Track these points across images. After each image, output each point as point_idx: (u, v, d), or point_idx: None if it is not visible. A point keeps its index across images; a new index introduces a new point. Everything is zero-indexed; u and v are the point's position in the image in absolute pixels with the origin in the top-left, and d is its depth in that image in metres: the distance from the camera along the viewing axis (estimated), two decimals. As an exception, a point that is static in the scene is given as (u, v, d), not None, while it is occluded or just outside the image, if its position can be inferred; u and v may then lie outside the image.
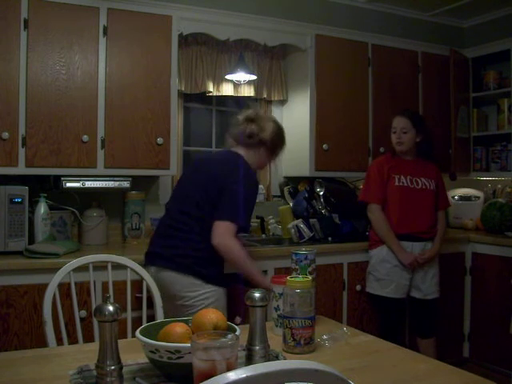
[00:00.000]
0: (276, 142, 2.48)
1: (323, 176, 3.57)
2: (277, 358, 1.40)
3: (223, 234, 2.20)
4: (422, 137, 3.09)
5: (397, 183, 3.04)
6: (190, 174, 2.50)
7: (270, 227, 3.59)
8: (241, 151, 2.42)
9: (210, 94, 3.56)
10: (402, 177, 3.05)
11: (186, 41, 3.38)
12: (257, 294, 1.31)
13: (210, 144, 3.78)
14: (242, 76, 3.52)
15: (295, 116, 3.70)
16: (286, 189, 3.73)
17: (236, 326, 1.30)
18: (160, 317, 2.00)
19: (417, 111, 3.27)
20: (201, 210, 2.28)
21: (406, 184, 3.04)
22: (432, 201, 3.09)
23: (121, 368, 1.16)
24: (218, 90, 3.56)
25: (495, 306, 3.41)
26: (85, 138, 2.82)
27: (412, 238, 3.04)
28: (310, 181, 3.61)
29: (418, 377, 1.32)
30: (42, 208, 2.76)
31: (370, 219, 3.11)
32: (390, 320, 3.10)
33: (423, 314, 3.13)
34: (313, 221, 3.35)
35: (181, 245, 2.28)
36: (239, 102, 3.84)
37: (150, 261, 2.34)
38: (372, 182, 3.10)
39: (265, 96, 3.72)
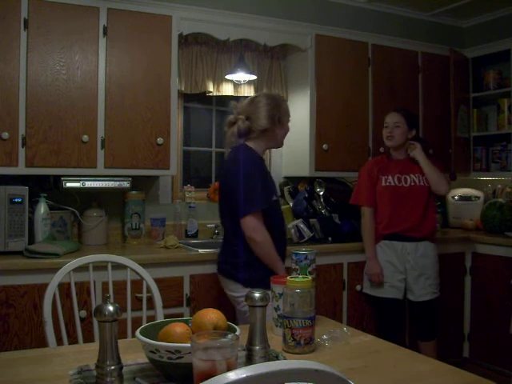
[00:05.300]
0: (275, 114, 2.38)
1: (323, 176, 3.57)
2: (277, 358, 1.40)
3: (247, 229, 2.31)
4: (414, 134, 3.10)
5: (383, 184, 3.07)
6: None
7: (270, 227, 3.58)
8: (250, 143, 2.40)
9: (210, 94, 3.56)
10: (390, 177, 3.07)
11: (186, 41, 3.38)
12: (257, 294, 1.31)
13: (210, 144, 3.78)
14: (241, 76, 3.52)
15: (295, 116, 3.65)
16: (285, 189, 3.73)
17: (236, 326, 1.30)
18: (160, 317, 2.00)
19: (410, 110, 3.30)
20: (229, 216, 2.41)
21: (392, 183, 3.06)
22: (423, 196, 3.04)
23: (121, 368, 1.16)
24: (218, 90, 3.55)
25: (495, 306, 3.41)
26: (85, 138, 2.82)
27: (402, 238, 3.03)
28: (310, 181, 3.61)
29: (418, 377, 1.31)
30: (42, 208, 2.76)
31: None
32: (386, 321, 3.11)
33: (420, 316, 3.11)
34: (313, 221, 3.35)
35: (223, 249, 2.51)
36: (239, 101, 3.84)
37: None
38: (362, 185, 3.14)
39: (265, 96, 3.71)
